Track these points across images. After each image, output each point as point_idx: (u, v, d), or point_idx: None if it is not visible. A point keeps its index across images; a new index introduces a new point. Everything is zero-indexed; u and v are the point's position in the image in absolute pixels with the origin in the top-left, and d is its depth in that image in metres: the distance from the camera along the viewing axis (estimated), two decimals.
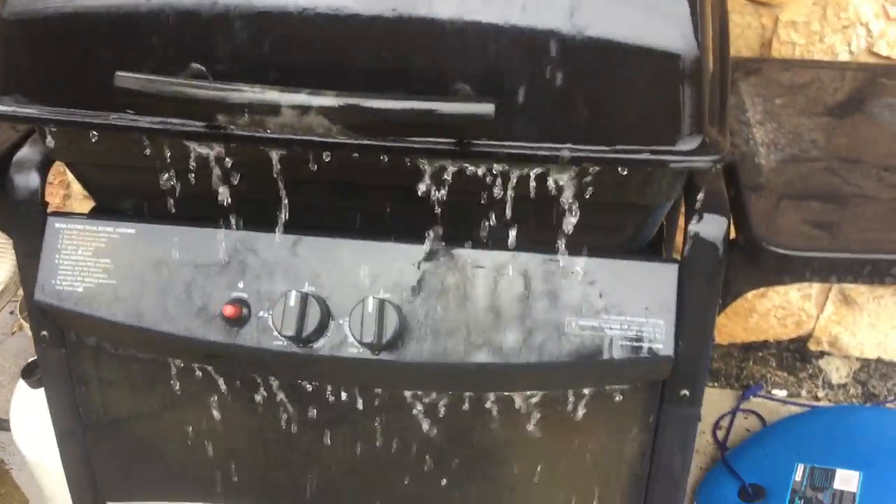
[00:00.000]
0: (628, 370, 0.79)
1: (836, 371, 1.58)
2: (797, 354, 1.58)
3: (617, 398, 0.83)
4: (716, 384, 1.61)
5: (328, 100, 0.62)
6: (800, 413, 1.50)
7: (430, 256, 0.79)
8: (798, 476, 1.29)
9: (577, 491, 0.92)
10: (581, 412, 0.84)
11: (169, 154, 0.73)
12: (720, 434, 1.50)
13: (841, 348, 1.53)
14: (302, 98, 0.62)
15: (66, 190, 1.61)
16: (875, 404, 1.57)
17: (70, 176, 1.46)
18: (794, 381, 1.60)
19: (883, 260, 0.72)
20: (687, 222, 0.76)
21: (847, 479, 1.27)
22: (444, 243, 0.79)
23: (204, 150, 0.72)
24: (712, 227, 0.76)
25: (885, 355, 1.52)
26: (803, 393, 1.60)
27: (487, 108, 0.62)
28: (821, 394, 1.60)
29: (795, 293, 1.48)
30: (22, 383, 1.16)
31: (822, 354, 1.57)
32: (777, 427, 1.45)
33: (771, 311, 1.51)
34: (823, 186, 0.80)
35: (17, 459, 1.46)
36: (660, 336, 0.77)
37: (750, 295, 1.48)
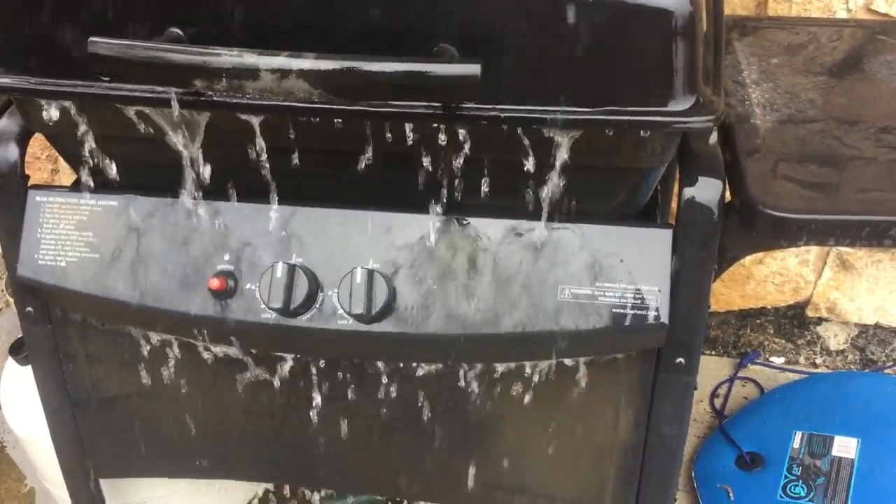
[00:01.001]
0: (623, 338, 0.78)
1: (835, 337, 1.57)
2: (795, 321, 1.57)
3: (612, 367, 0.82)
4: (713, 352, 1.60)
5: (308, 62, 0.60)
6: (797, 380, 1.49)
7: (419, 225, 0.78)
8: (796, 443, 1.29)
9: (573, 460, 0.91)
10: (576, 381, 0.83)
11: (148, 123, 0.71)
12: (718, 402, 1.49)
13: (839, 314, 1.52)
14: (281, 61, 0.60)
15: (54, 164, 1.59)
16: (873, 370, 1.57)
17: None
18: (792, 348, 1.59)
19: (882, 221, 0.70)
20: (681, 186, 0.74)
21: (845, 446, 1.26)
22: (434, 211, 0.77)
23: (184, 118, 0.70)
24: (707, 190, 0.74)
25: (884, 321, 1.51)
26: (801, 360, 1.59)
27: (473, 69, 0.60)
28: (819, 360, 1.59)
29: (793, 259, 1.47)
30: (11, 360, 1.15)
31: (820, 321, 1.56)
32: (774, 394, 1.44)
33: (768, 278, 1.50)
34: (821, 148, 0.79)
35: (12, 437, 1.46)
36: (655, 303, 0.76)
37: (747, 261, 1.47)
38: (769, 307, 1.55)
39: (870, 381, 1.44)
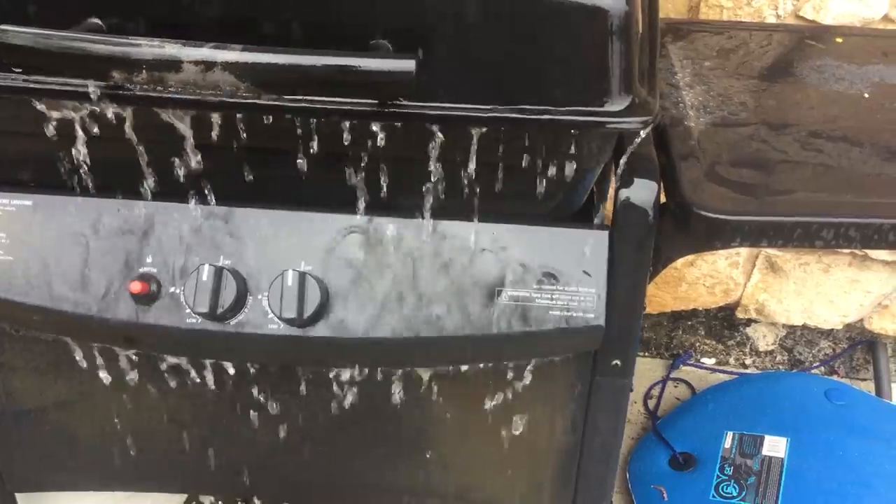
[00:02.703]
0: (560, 341, 0.77)
1: (763, 338, 1.60)
2: (725, 322, 1.60)
3: (549, 370, 0.81)
4: (646, 354, 1.62)
5: (234, 55, 0.57)
6: (728, 381, 1.51)
7: (353, 226, 0.75)
8: (727, 443, 1.31)
9: (510, 464, 0.90)
10: (513, 384, 0.82)
11: (63, 118, 0.67)
12: (651, 403, 1.50)
13: (768, 315, 1.55)
14: (205, 52, 0.57)
15: None
16: (801, 370, 1.60)
17: None
18: (723, 349, 1.62)
19: (812, 223, 0.71)
20: (617, 187, 0.74)
21: (775, 445, 1.28)
22: (367, 212, 0.75)
23: (104, 113, 0.67)
24: (642, 192, 0.74)
25: (811, 322, 1.54)
26: (731, 361, 1.62)
27: (408, 65, 0.58)
28: (748, 361, 1.62)
29: (723, 261, 1.49)
30: None
31: (749, 322, 1.59)
32: (706, 395, 1.46)
33: (700, 280, 1.52)
34: (753, 150, 0.79)
35: None
36: (591, 305, 0.75)
37: (679, 264, 1.49)
38: (700, 309, 1.58)
39: (798, 382, 1.47)
